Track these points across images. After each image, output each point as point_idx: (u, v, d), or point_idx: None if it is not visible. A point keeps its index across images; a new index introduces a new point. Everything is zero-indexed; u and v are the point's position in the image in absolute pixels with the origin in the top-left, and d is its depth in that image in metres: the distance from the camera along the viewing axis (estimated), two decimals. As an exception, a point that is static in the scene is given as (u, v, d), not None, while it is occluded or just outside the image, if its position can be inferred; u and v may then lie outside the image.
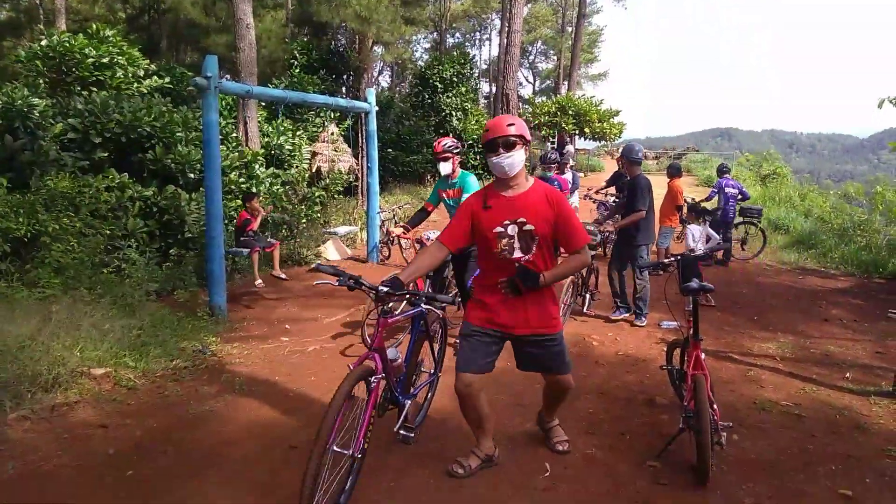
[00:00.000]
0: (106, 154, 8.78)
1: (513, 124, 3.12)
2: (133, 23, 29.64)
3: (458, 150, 5.46)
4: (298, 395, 4.64)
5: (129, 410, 4.24)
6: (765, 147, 46.17)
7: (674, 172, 9.97)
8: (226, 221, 8.20)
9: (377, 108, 10.85)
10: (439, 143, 5.40)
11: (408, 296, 3.25)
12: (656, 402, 4.57)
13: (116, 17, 29.79)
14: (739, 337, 6.42)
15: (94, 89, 10.10)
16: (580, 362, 5.35)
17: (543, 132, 26.00)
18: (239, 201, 9.72)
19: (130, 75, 11.28)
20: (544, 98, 38.20)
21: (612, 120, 25.95)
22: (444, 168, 5.40)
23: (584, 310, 7.11)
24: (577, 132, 25.54)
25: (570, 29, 39.41)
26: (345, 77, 23.65)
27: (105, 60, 10.81)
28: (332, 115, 18.48)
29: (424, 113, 23.52)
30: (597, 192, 11.56)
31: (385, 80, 45.57)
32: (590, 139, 26.45)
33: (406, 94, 27.97)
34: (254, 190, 10.27)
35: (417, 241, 6.99)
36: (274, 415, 4.25)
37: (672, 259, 4.11)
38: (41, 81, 10.33)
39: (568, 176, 10.11)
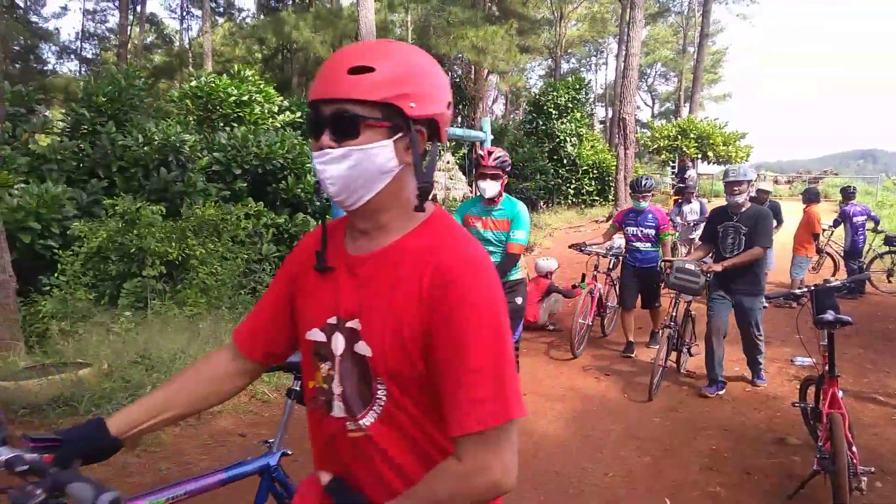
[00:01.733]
0: (245, 184, 9.59)
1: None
2: (268, 62, 32.21)
3: (509, 166, 4.42)
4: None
5: (263, 421, 4.56)
6: (916, 169, 41.88)
7: (811, 198, 9.30)
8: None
9: (492, 137, 11.05)
10: (489, 154, 4.32)
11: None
12: (787, 441, 4.29)
13: (254, 58, 32.52)
14: (884, 377, 5.85)
15: (235, 125, 11.07)
16: (703, 398, 5.14)
17: (663, 157, 25.18)
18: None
19: (266, 111, 12.27)
20: (664, 121, 37.07)
21: (737, 143, 24.69)
22: (491, 189, 4.35)
23: (681, 369, 5.86)
24: (699, 156, 24.52)
25: (691, 49, 38.13)
26: (460, 106, 24.25)
27: (245, 98, 11.84)
28: (448, 144, 18.98)
29: (538, 140, 23.56)
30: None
31: (499, 108, 46.18)
32: (714, 163, 25.28)
33: (520, 122, 28.17)
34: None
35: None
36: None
37: (805, 290, 3.87)
38: (191, 119, 11.47)
39: (693, 206, 9.63)
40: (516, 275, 4.56)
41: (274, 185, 9.83)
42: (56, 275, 6.75)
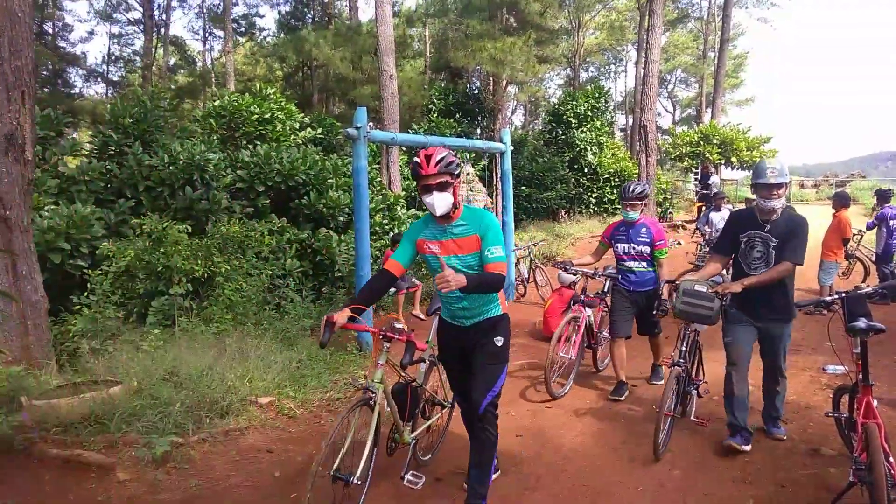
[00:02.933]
0: (268, 201, 9.70)
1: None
2: (289, 80, 32.66)
3: (458, 168, 3.25)
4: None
5: (291, 437, 4.58)
6: (948, 169, 40.92)
7: (841, 202, 9.10)
8: (371, 261, 8.71)
9: (511, 147, 11.05)
10: (427, 158, 3.15)
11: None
12: (821, 452, 4.18)
13: (275, 76, 33.02)
14: (924, 386, 5.68)
15: (258, 142, 11.22)
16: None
17: (685, 163, 24.92)
18: (383, 241, 10.26)
19: (288, 128, 12.42)
20: (685, 128, 36.73)
21: (761, 147, 24.35)
22: (441, 203, 3.16)
23: (692, 416, 4.69)
24: (722, 162, 24.23)
25: (712, 54, 37.80)
26: (479, 118, 24.31)
27: (267, 116, 12.00)
28: (468, 156, 19.03)
29: (558, 149, 23.49)
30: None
31: (518, 119, 46.26)
32: (737, 169, 24.96)
33: (539, 132, 28.16)
34: (396, 230, 10.79)
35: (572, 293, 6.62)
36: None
37: (836, 297, 3.78)
38: (214, 137, 11.65)
39: (723, 214, 9.43)
40: (495, 311, 3.42)
41: (297, 201, 9.93)
42: (86, 294, 6.87)
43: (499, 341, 3.38)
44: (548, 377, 5.34)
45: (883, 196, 9.99)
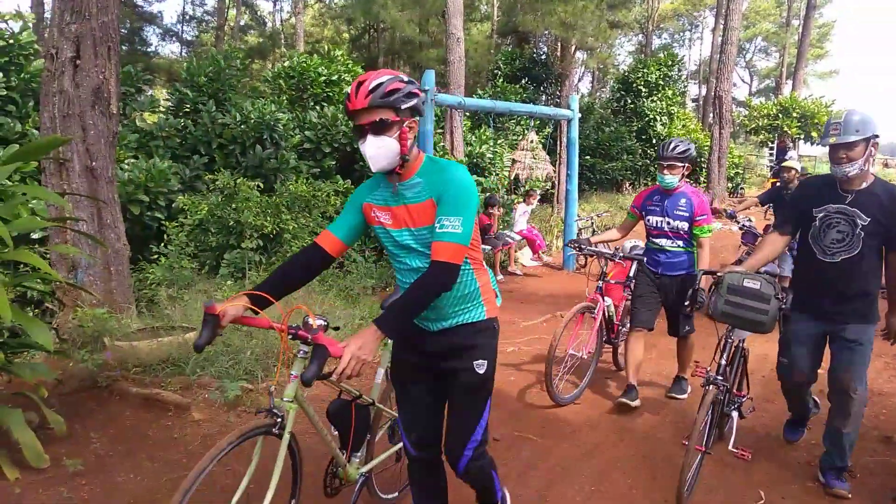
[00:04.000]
0: (334, 162, 9.86)
1: None
2: (356, 42, 32.77)
3: (410, 102, 2.11)
4: (496, 392, 4.82)
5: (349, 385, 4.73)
6: None
7: None
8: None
9: (579, 115, 10.82)
10: (358, 87, 2.06)
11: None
12: (894, 440, 4.03)
13: (342, 38, 33.17)
14: None
15: (325, 104, 11.36)
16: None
17: (761, 137, 23.85)
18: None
19: (355, 90, 12.49)
20: (762, 99, 35.01)
21: (845, 122, 23.00)
22: (378, 156, 2.09)
23: (731, 446, 3.40)
24: (801, 136, 23.06)
25: (796, 23, 35.69)
26: (546, 84, 23.83)
27: (334, 78, 12.10)
28: (533, 123, 18.75)
29: (626, 118, 22.84)
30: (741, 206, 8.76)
31: (585, 86, 45.07)
32: (817, 144, 23.72)
33: (607, 100, 27.40)
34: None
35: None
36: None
37: None
38: (283, 98, 11.86)
39: None
40: (475, 313, 2.29)
41: (361, 163, 10.04)
42: (163, 244, 7.21)
43: (480, 367, 2.25)
44: (549, 377, 4.32)
45: None
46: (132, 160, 8.22)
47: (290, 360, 2.28)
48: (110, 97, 5.44)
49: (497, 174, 14.54)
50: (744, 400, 3.71)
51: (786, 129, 22.02)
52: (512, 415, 4.39)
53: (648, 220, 4.50)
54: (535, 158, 17.77)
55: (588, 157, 20.95)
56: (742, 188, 21.69)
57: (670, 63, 23.33)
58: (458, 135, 13.33)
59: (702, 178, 19.85)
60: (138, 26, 32.63)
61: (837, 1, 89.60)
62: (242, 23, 35.62)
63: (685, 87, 28.21)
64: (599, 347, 4.87)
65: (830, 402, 3.34)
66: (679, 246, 4.42)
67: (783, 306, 3.15)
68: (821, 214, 3.20)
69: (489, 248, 9.10)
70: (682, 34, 46.70)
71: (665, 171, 4.36)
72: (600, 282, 4.80)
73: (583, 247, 4.74)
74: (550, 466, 3.65)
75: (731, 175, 21.36)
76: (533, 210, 11.97)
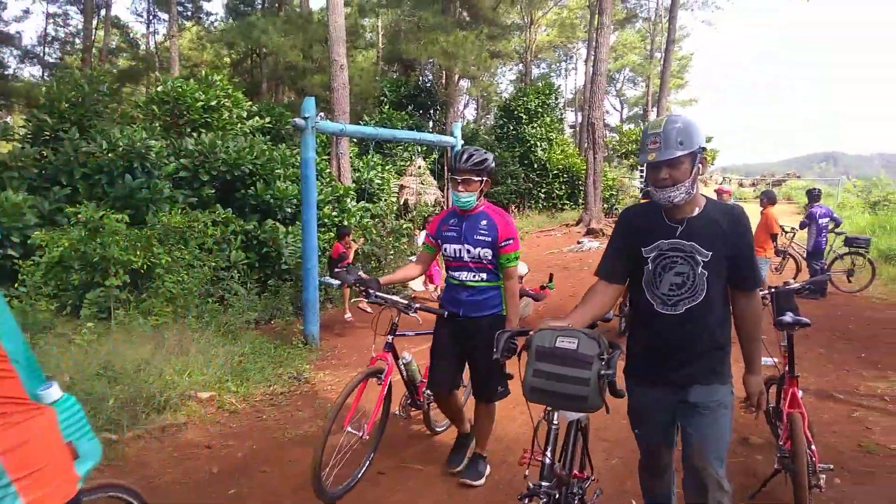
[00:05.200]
0: (213, 191, 9.47)
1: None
2: (237, 66, 31.87)
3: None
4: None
5: (231, 433, 4.51)
6: (875, 172, 43.21)
7: (768, 199, 9.56)
8: (319, 253, 8.61)
9: (462, 142, 11.09)
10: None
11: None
12: (750, 441, 4.38)
13: (222, 62, 32.16)
14: (844, 375, 6.01)
15: (203, 130, 10.92)
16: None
17: (631, 161, 25.53)
18: (332, 234, 10.15)
19: (235, 116, 12.13)
20: (632, 126, 37.61)
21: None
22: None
23: None
24: (666, 160, 24.91)
25: (658, 55, 38.76)
26: (431, 111, 24.30)
27: (213, 103, 11.68)
28: (420, 149, 19.01)
29: (509, 144, 23.72)
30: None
31: (471, 113, 46.39)
32: (640, 164, 25.76)
33: (491, 126, 28.34)
34: (345, 223, 10.70)
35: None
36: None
37: (766, 292, 3.94)
38: (157, 124, 11.28)
39: None
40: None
41: (242, 191, 9.72)
42: (16, 285, 6.58)
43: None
44: (317, 466, 3.18)
45: (812, 196, 10.49)
46: (-20, 193, 7.47)
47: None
48: (-53, 126, 4.93)
49: (385, 199, 14.58)
50: (588, 483, 2.85)
51: (653, 153, 23.70)
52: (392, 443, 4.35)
53: (445, 250, 3.59)
54: (423, 184, 18.04)
55: (475, 181, 21.47)
56: (616, 208, 23.02)
57: (548, 92, 24.56)
58: (344, 161, 13.24)
59: (580, 200, 20.91)
60: (-8, 47, 29.95)
61: (695, 36, 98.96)
62: (113, 45, 33.65)
63: (562, 114, 29.76)
64: (384, 421, 3.87)
65: (685, 486, 2.56)
66: (483, 280, 3.51)
67: (603, 373, 2.10)
68: (653, 254, 2.42)
69: (336, 282, 8.06)
70: (558, 64, 49.37)
71: (459, 188, 3.43)
72: (390, 336, 3.70)
73: (370, 292, 3.59)
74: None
75: (607, 196, 22.68)
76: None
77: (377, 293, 3.62)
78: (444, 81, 24.38)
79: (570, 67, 50.51)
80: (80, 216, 7.00)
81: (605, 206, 22.07)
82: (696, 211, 2.41)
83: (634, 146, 24.71)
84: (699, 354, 2.45)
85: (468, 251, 3.49)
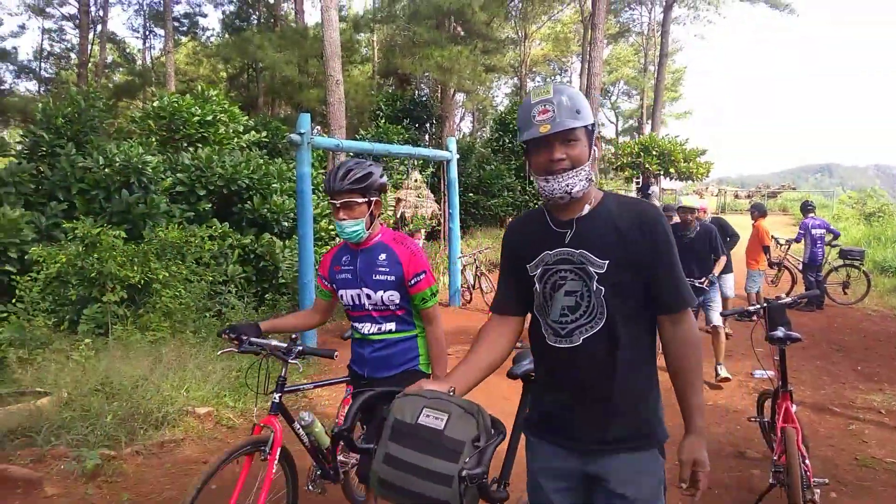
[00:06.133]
0: (209, 205, 9.49)
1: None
2: (233, 81, 32.03)
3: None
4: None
5: (217, 445, 4.49)
6: (870, 183, 43.53)
7: (759, 212, 9.63)
8: (316, 267, 8.64)
9: (458, 155, 11.16)
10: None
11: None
12: (747, 455, 4.40)
13: (218, 77, 32.31)
14: (840, 388, 6.04)
15: (200, 145, 10.96)
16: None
17: (626, 173, 25.70)
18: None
19: (231, 131, 12.17)
20: (627, 138, 37.85)
21: (697, 159, 25.36)
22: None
23: None
24: (661, 172, 25.10)
25: (652, 68, 39.11)
26: (427, 125, 24.41)
27: (209, 118, 11.73)
28: (416, 163, 19.07)
29: (505, 157, 23.80)
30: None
31: (466, 126, 46.61)
32: (675, 179, 25.91)
33: (487, 139, 28.47)
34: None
35: None
36: (361, 457, 4.40)
37: (759, 306, 3.97)
38: (153, 139, 11.31)
39: None
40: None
41: (239, 205, 9.75)
42: (13, 301, 6.56)
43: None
44: None
45: (806, 208, 10.56)
46: (-23, 209, 7.47)
47: None
48: (-54, 143, 4.95)
49: (382, 213, 14.60)
50: None
51: (647, 166, 23.90)
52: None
53: (342, 297, 2.81)
54: (419, 197, 18.06)
55: (472, 194, 21.56)
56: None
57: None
58: (340, 175, 13.30)
59: (576, 213, 20.94)
60: (-12, 62, 30.07)
61: (688, 49, 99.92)
62: (109, 60, 33.77)
63: (558, 126, 29.91)
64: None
65: None
66: (391, 331, 2.72)
67: (466, 473, 1.45)
68: (538, 271, 1.84)
69: None
70: (553, 77, 49.70)
71: (340, 214, 2.62)
72: (277, 395, 2.94)
73: (243, 339, 2.90)
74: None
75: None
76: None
77: (252, 339, 2.89)
78: (439, 95, 24.51)
79: (564, 80, 50.91)
80: (77, 231, 7.00)
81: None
82: (587, 208, 1.80)
83: (629, 159, 24.89)
84: (612, 409, 1.77)
85: (368, 297, 2.69)
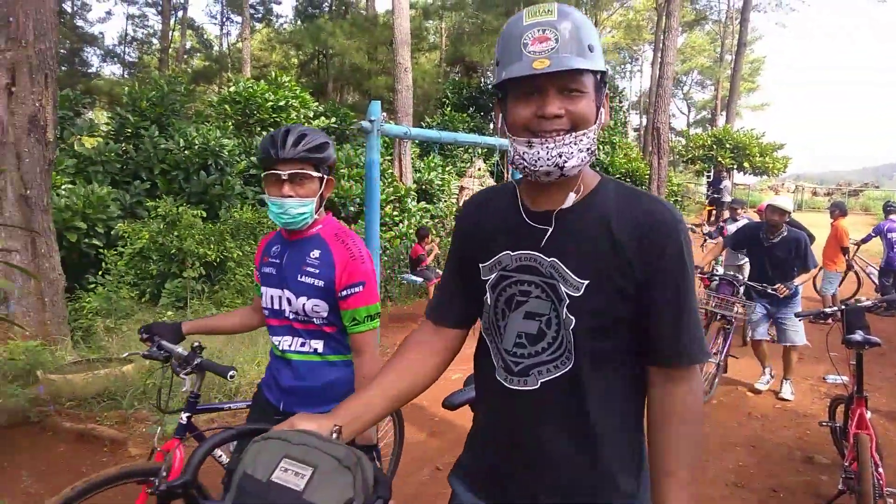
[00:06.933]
0: (280, 188, 9.83)
1: None
2: (304, 67, 32.75)
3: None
4: (444, 419, 4.87)
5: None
6: (962, 182, 40.65)
7: (839, 212, 9.17)
8: (380, 252, 8.83)
9: (525, 145, 11.10)
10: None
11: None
12: (815, 460, 4.26)
13: (290, 63, 33.11)
14: (922, 398, 5.74)
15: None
16: (732, 413, 5.12)
17: (698, 166, 24.90)
18: (392, 233, 10.36)
19: (302, 116, 12.52)
20: (699, 130, 36.64)
21: (774, 154, 24.31)
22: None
23: None
24: (735, 166, 24.20)
25: (729, 58, 37.63)
26: (493, 114, 24.34)
27: (281, 104, 12.11)
28: (480, 151, 19.07)
29: (570, 147, 23.50)
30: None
31: (532, 115, 46.07)
32: (750, 174, 24.92)
33: (552, 129, 28.12)
34: (406, 222, 10.88)
35: None
36: (420, 437, 4.51)
37: (836, 308, 3.83)
38: (229, 123, 11.77)
39: (741, 224, 7.49)
40: None
41: (309, 189, 10.05)
42: (101, 273, 7.01)
43: None
44: None
45: (887, 209, 9.98)
46: (69, 186, 8.00)
47: None
48: (46, 124, 5.32)
49: (445, 200, 14.72)
50: None
51: (720, 159, 23.07)
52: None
53: (263, 297, 2.15)
54: (482, 185, 18.09)
55: (534, 184, 21.39)
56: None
57: (612, 95, 24.20)
58: (406, 162, 13.46)
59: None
60: (78, 47, 31.80)
61: (768, 38, 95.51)
62: (188, 46, 35.16)
63: (626, 117, 29.29)
64: None
65: None
66: (317, 352, 2.06)
67: None
68: (492, 276, 1.31)
69: (419, 279, 8.70)
70: (623, 66, 48.55)
71: (285, 189, 1.95)
72: (185, 414, 2.35)
73: (155, 339, 2.35)
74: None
75: (671, 202, 22.24)
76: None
77: (161, 343, 2.31)
78: (506, 83, 24.37)
79: (635, 70, 49.68)
80: (159, 210, 7.40)
81: (668, 212, 21.68)
82: (571, 199, 1.22)
83: (701, 151, 24.06)
84: (575, 480, 1.25)
85: (289, 301, 2.04)
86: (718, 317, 5.43)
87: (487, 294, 1.31)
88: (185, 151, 9.14)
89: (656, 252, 1.18)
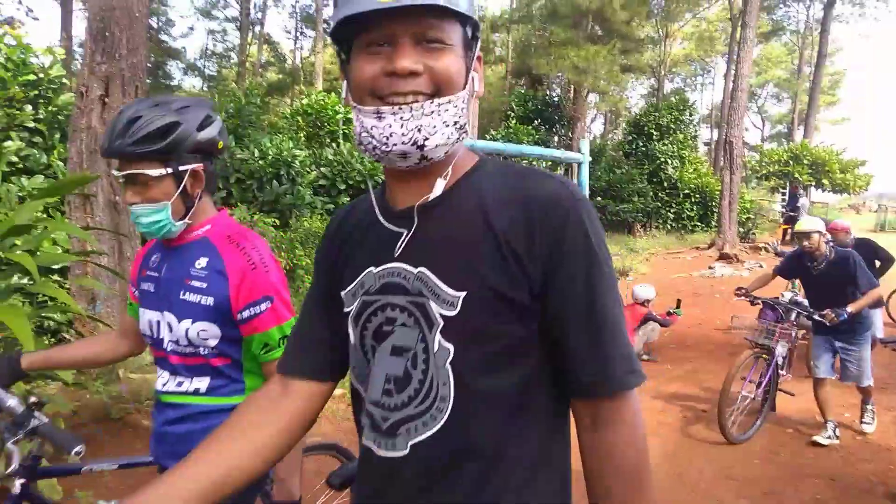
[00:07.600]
0: (348, 198, 10.06)
1: None
2: (372, 80, 33.41)
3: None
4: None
5: (351, 427, 4.76)
6: None
7: None
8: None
9: (590, 158, 10.98)
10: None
11: None
12: (902, 497, 4.01)
13: (359, 76, 33.84)
14: None
15: (342, 141, 11.62)
16: (807, 443, 4.88)
17: (772, 182, 23.94)
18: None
19: (371, 129, 12.79)
20: (774, 145, 35.28)
21: (855, 170, 23.12)
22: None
23: None
24: (812, 183, 23.13)
25: (807, 70, 36.13)
26: (558, 126, 24.16)
27: (350, 116, 12.38)
28: (545, 164, 18.96)
29: (638, 161, 23.04)
30: None
31: (598, 128, 45.59)
32: (829, 191, 23.77)
33: (619, 142, 27.69)
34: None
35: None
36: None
37: None
38: (301, 134, 12.14)
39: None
40: None
41: (375, 200, 10.25)
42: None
43: None
44: None
45: None
46: (152, 193, 8.41)
47: None
48: (136, 135, 5.63)
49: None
50: None
51: (797, 175, 22.11)
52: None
53: (141, 323, 1.71)
54: (546, 198, 17.99)
55: (600, 198, 21.08)
56: (753, 233, 21.66)
57: (682, 107, 23.63)
58: (470, 174, 13.54)
59: (713, 222, 19.90)
60: (162, 61, 33.57)
61: (848, 50, 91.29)
62: (263, 59, 36.55)
63: (697, 131, 28.48)
64: None
65: None
66: (200, 393, 1.62)
67: None
68: (355, 304, 1.00)
69: None
70: (694, 79, 47.32)
71: (129, 195, 1.60)
72: (19, 481, 1.69)
73: None
74: None
75: (743, 220, 21.40)
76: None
77: None
78: (572, 96, 24.17)
79: (706, 82, 48.33)
80: (234, 218, 7.69)
81: (741, 230, 20.89)
82: (439, 185, 0.94)
83: (776, 167, 23.11)
84: None
85: (169, 327, 1.61)
86: (752, 343, 5.00)
87: (350, 329, 0.99)
88: (260, 161, 9.48)
89: (551, 241, 0.87)
